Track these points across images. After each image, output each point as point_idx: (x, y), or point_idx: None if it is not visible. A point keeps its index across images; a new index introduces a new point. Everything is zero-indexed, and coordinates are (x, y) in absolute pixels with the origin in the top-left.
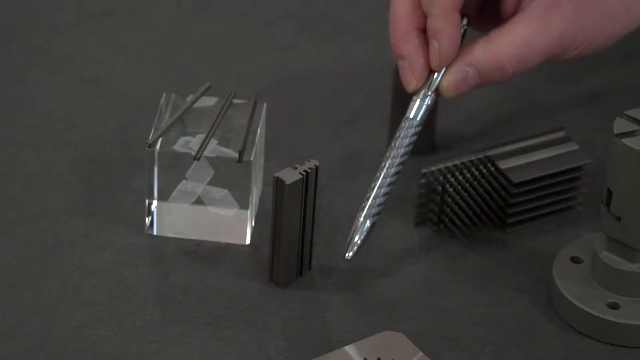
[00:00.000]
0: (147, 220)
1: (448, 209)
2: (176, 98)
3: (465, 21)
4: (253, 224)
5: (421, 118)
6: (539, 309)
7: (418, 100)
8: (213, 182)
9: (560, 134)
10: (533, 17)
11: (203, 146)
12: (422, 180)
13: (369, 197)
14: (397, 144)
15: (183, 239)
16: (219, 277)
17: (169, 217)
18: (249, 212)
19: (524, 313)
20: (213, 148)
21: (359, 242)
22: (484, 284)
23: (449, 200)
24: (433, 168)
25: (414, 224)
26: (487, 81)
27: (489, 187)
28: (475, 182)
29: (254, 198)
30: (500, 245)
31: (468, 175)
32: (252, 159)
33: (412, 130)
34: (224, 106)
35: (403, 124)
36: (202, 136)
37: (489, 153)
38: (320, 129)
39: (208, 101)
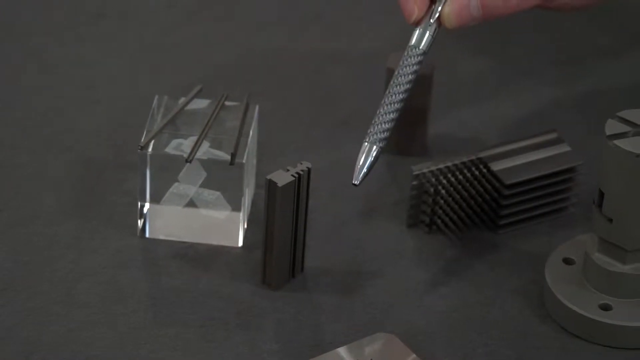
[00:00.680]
0: (140, 222)
1: (440, 211)
2: (168, 100)
3: None
4: (245, 226)
5: (424, 47)
6: (532, 310)
7: (420, 29)
8: (205, 185)
9: (553, 136)
10: None
11: (195, 148)
12: (415, 182)
13: (374, 122)
14: (400, 72)
15: (176, 241)
16: (211, 279)
17: (161, 220)
18: (241, 214)
19: (516, 314)
20: (205, 150)
21: (365, 168)
22: (476, 285)
23: (442, 201)
24: (425, 170)
25: (407, 226)
26: (490, 12)
27: (481, 189)
28: (467, 184)
29: (247, 200)
30: (493, 246)
31: (460, 176)
32: (244, 161)
33: (415, 59)
34: (216, 108)
35: (406, 52)
36: (194, 138)
37: (481, 155)
38: (313, 130)
39: (200, 103)
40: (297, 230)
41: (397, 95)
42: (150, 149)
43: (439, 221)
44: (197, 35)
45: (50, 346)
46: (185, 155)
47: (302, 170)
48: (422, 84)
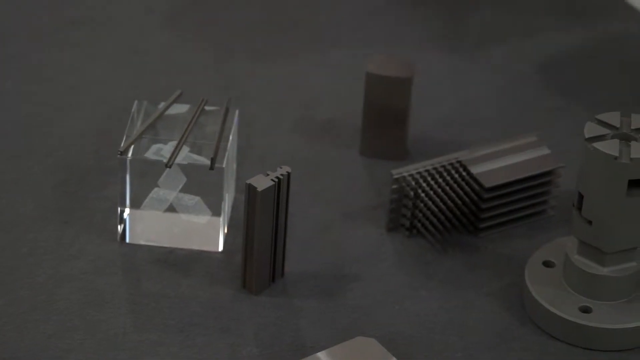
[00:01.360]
0: (120, 227)
1: (420, 214)
2: (148, 105)
3: None
4: (226, 231)
5: None
6: (512, 313)
7: None
8: (185, 190)
9: (533, 139)
10: None
11: (175, 153)
12: (395, 186)
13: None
14: None
15: (156, 246)
16: (191, 284)
17: (141, 225)
18: (221, 219)
19: (496, 318)
20: (185, 155)
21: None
22: (456, 288)
23: (422, 205)
24: (405, 173)
25: (387, 230)
26: None
27: (461, 192)
28: (447, 187)
29: (227, 205)
30: (473, 249)
31: (440, 180)
32: (224, 166)
33: None
34: (195, 113)
35: None
36: (174, 143)
37: (461, 158)
38: (293, 135)
39: (180, 108)
40: (277, 235)
41: None
42: (130, 154)
43: (419, 225)
44: (176, 40)
45: (29, 352)
46: (165, 160)
47: (282, 175)
48: (401, 86)
